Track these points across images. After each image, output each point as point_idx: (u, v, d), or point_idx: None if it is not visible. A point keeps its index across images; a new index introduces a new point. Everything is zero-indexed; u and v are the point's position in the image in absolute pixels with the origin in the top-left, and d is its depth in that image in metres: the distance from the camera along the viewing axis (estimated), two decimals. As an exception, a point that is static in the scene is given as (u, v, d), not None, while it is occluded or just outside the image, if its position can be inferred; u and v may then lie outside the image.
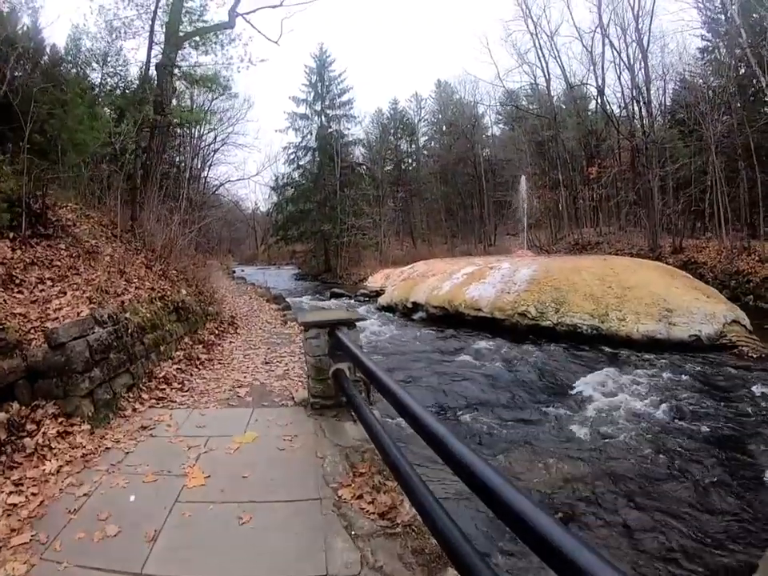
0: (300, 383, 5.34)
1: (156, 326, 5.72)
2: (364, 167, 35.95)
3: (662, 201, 22.41)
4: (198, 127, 37.68)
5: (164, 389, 5.03)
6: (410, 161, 45.60)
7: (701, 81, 21.63)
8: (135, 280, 6.43)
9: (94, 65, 21.15)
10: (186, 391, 5.13)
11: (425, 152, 46.08)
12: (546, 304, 11.63)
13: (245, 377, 5.68)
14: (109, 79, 22.86)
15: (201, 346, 6.75)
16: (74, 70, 16.10)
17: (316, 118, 34.32)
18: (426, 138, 46.71)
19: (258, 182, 67.49)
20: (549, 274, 12.67)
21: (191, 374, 5.71)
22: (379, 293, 21.50)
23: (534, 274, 13.01)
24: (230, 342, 7.90)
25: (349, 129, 34.82)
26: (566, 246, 28.08)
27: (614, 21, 26.55)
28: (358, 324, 4.43)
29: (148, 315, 5.57)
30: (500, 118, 43.22)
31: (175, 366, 5.60)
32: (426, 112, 46.85)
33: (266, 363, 6.38)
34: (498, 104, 39.77)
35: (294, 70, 66.34)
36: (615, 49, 26.42)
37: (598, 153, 30.00)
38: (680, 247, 20.47)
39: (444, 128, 43.73)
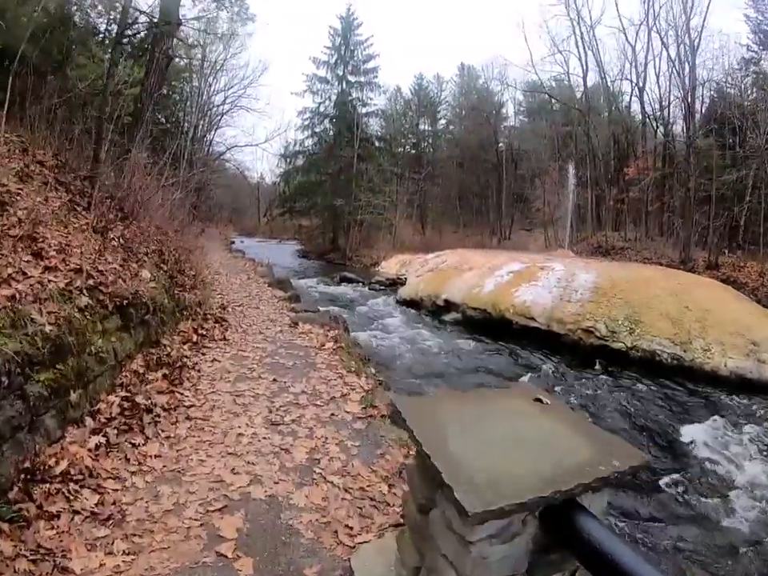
0: (358, 511, 2.60)
1: (65, 351, 2.91)
2: (384, 141, 32.77)
3: (699, 212, 20.78)
4: (206, 83, 34.83)
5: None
6: (426, 143, 42.51)
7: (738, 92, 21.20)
8: (53, 254, 3.61)
9: (100, 7, 19.56)
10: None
11: (445, 135, 43.02)
12: (618, 321, 9.61)
13: (231, 473, 2.87)
14: (115, 26, 21.80)
15: (160, 376, 3.91)
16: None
17: (336, 83, 31.15)
18: (445, 121, 43.87)
19: (266, 149, 64.09)
20: (614, 284, 10.75)
21: (117, 470, 2.86)
22: (395, 281, 19.04)
23: (598, 282, 11.05)
24: (213, 360, 5.05)
25: (371, 99, 31.72)
26: (589, 248, 25.41)
27: (664, 17, 24.75)
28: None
29: (47, 329, 2.75)
30: (522, 109, 41.46)
31: (87, 450, 2.76)
32: (447, 95, 44.18)
33: (273, 425, 3.57)
34: (526, 91, 37.37)
35: (315, 39, 62.73)
36: (665, 46, 24.60)
37: (634, 153, 28.14)
38: (716, 263, 18.46)
39: (464, 113, 40.89)
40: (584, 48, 29.63)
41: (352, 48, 31.20)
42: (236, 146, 35.58)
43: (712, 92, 24.09)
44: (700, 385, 8.13)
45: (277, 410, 3.87)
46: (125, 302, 3.80)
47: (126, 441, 3.08)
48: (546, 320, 10.52)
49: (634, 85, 28.27)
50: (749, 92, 21.85)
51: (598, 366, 8.98)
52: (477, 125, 37.33)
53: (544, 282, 11.76)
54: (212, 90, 35.25)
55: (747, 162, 18.98)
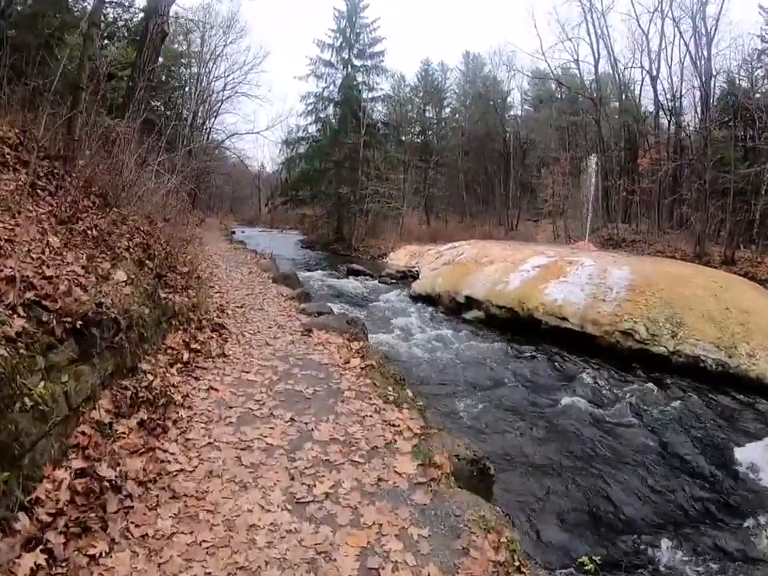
0: None
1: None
2: (391, 127, 31.36)
3: (715, 205, 20.30)
4: (205, 69, 33.51)
5: None
6: (432, 131, 41.01)
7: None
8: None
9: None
10: None
11: (450, 124, 41.62)
12: (658, 323, 8.79)
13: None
14: (111, 10, 19.94)
15: (134, 424, 2.74)
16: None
17: (341, 67, 29.74)
18: (450, 109, 42.45)
19: (267, 137, 62.54)
20: (650, 281, 9.90)
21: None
22: (406, 274, 17.97)
23: (633, 279, 10.15)
24: (209, 388, 3.84)
25: (378, 83, 30.29)
26: (599, 240, 24.37)
27: (678, 3, 24.21)
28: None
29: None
30: (527, 98, 40.38)
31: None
32: (452, 83, 42.83)
33: (299, 503, 2.42)
34: (538, 77, 36.40)
35: (317, 25, 60.85)
36: (681, 33, 24.24)
37: (647, 144, 27.49)
38: (732, 258, 18.00)
39: (468, 101, 39.77)
40: (596, 35, 28.63)
41: (358, 31, 29.74)
42: (236, 133, 34.35)
43: (723, 84, 23.66)
44: (747, 394, 7.39)
45: (301, 475, 2.71)
46: (80, 322, 2.63)
47: (79, 552, 1.93)
48: (579, 321, 9.55)
49: (645, 73, 27.49)
50: (760, 84, 21.69)
51: (641, 373, 8.03)
52: (483, 113, 36.25)
53: (574, 278, 10.79)
54: (212, 76, 34.01)
55: (762, 155, 18.84)
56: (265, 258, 13.65)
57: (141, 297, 4.23)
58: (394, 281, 16.76)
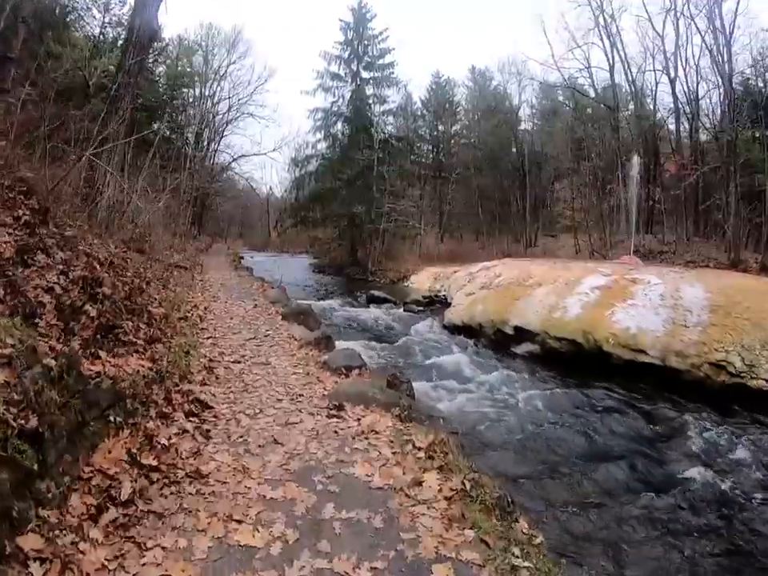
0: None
1: None
2: (404, 141, 29.55)
3: (747, 209, 19.39)
4: (209, 89, 32.32)
5: None
6: (443, 145, 39.26)
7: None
8: None
9: (95, 12, 18.34)
10: None
11: (459, 139, 40.01)
12: (754, 351, 7.17)
13: None
14: (111, 30, 20.81)
15: None
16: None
17: (350, 80, 28.19)
18: (459, 125, 40.81)
19: (275, 159, 61.31)
20: (731, 299, 8.30)
21: None
22: (433, 300, 15.99)
23: (711, 298, 8.50)
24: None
25: (389, 96, 28.64)
26: (624, 252, 22.69)
27: (692, 2, 22.63)
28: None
29: None
30: (537, 110, 38.59)
31: None
32: (460, 99, 41.25)
33: None
34: (550, 87, 34.43)
35: (321, 41, 59.99)
36: (700, 32, 22.56)
37: (673, 150, 25.68)
38: None
39: (477, 117, 37.91)
40: (609, 40, 27.11)
41: (366, 42, 28.24)
42: (243, 155, 33.03)
43: (736, 84, 21.92)
44: None
45: None
46: None
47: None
48: (659, 352, 7.83)
49: (661, 74, 25.99)
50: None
51: (745, 415, 6.46)
52: (494, 127, 34.65)
53: (643, 299, 8.97)
54: (216, 96, 32.81)
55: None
56: (273, 288, 11.62)
57: (40, 380, 2.23)
58: (421, 308, 14.75)
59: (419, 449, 3.07)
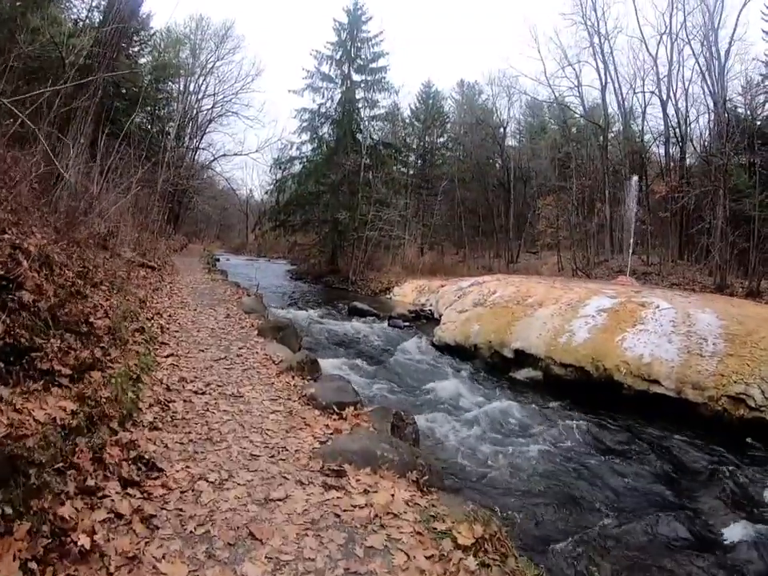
0: None
1: None
2: (392, 148, 28.61)
3: (735, 232, 19.06)
4: (194, 83, 31.10)
5: None
6: (429, 156, 38.59)
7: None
8: None
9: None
10: None
11: (445, 152, 39.29)
12: None
13: None
14: (97, 15, 18.07)
15: None
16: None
17: (340, 82, 27.20)
18: (444, 138, 40.02)
19: (257, 160, 59.90)
20: (747, 328, 7.74)
21: None
22: (419, 314, 15.09)
23: (725, 325, 7.95)
24: None
25: (378, 100, 27.71)
26: (607, 272, 23.09)
27: (690, 27, 23.29)
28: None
29: None
30: (520, 128, 39.34)
31: None
32: (447, 111, 40.72)
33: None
34: (539, 102, 35.25)
35: (311, 43, 58.88)
36: (695, 55, 23.05)
37: (662, 171, 26.04)
38: (757, 290, 16.24)
39: (463, 130, 37.37)
40: (602, 60, 27.31)
41: (359, 44, 27.26)
42: (225, 154, 31.83)
43: (723, 111, 22.25)
44: None
45: None
46: None
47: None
48: (675, 383, 7.30)
49: (651, 96, 26.30)
50: (760, 111, 21.55)
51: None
52: (481, 140, 34.55)
53: (654, 325, 8.38)
54: (201, 92, 31.57)
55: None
56: (249, 295, 10.50)
57: None
58: (407, 323, 13.74)
59: (464, 548, 2.07)
